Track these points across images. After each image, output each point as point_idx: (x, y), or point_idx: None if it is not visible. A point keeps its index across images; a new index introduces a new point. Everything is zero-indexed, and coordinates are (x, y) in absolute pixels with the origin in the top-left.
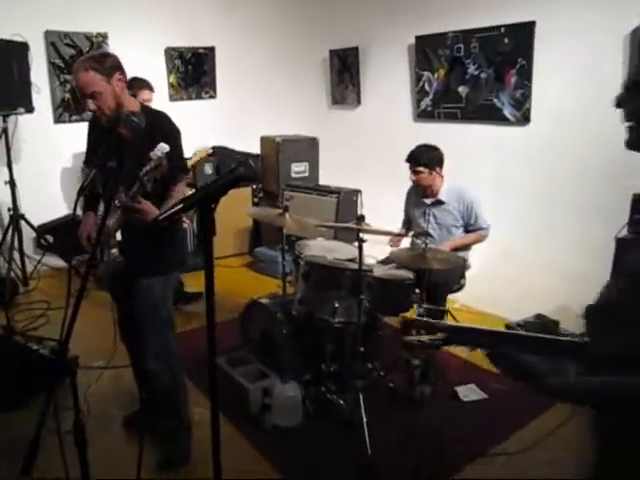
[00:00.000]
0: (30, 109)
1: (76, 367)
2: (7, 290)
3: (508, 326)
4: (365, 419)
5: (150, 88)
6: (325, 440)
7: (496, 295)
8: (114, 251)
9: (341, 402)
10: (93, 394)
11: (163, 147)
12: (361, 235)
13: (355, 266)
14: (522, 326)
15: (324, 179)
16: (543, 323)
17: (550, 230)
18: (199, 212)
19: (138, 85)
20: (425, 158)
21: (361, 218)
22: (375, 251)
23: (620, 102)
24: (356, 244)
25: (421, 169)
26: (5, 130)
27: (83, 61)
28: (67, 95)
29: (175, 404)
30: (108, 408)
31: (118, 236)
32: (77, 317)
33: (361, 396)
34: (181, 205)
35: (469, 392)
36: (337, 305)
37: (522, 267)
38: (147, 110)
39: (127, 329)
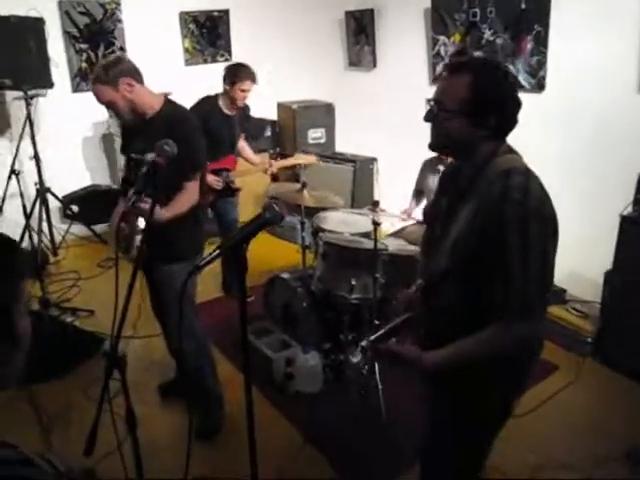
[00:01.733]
0: (50, 85)
1: (125, 365)
2: (40, 261)
3: None
4: (380, 385)
5: (253, 79)
6: (344, 404)
7: None
8: (139, 238)
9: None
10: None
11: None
12: (375, 218)
13: (371, 245)
14: None
15: (341, 144)
16: (552, 291)
17: (559, 198)
18: (233, 254)
19: (241, 74)
20: None
21: (376, 204)
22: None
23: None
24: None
25: None
26: (29, 111)
27: (94, 75)
28: (84, 64)
29: (204, 380)
30: (142, 376)
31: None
32: (126, 312)
33: (377, 364)
34: (217, 252)
35: None
36: (354, 283)
37: None
38: (170, 106)
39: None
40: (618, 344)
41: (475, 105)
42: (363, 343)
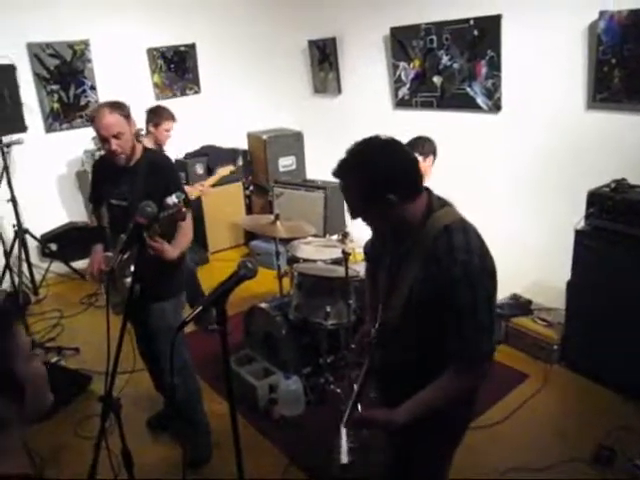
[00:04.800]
0: (24, 129)
1: (119, 408)
2: (22, 302)
3: None
4: (360, 406)
5: (174, 118)
6: (326, 425)
7: None
8: (128, 280)
9: (338, 390)
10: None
11: (178, 195)
12: (345, 249)
13: (342, 272)
14: (499, 307)
15: (311, 169)
16: (518, 303)
17: (519, 213)
18: (215, 309)
19: (163, 115)
20: (419, 147)
21: (345, 235)
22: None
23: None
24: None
25: (416, 155)
26: (4, 157)
27: (105, 106)
28: (56, 105)
29: (193, 412)
30: (130, 411)
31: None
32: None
33: (355, 385)
34: (201, 307)
35: None
36: (329, 310)
37: (496, 246)
38: (150, 154)
39: (145, 349)
40: (582, 349)
41: (373, 195)
42: (344, 441)
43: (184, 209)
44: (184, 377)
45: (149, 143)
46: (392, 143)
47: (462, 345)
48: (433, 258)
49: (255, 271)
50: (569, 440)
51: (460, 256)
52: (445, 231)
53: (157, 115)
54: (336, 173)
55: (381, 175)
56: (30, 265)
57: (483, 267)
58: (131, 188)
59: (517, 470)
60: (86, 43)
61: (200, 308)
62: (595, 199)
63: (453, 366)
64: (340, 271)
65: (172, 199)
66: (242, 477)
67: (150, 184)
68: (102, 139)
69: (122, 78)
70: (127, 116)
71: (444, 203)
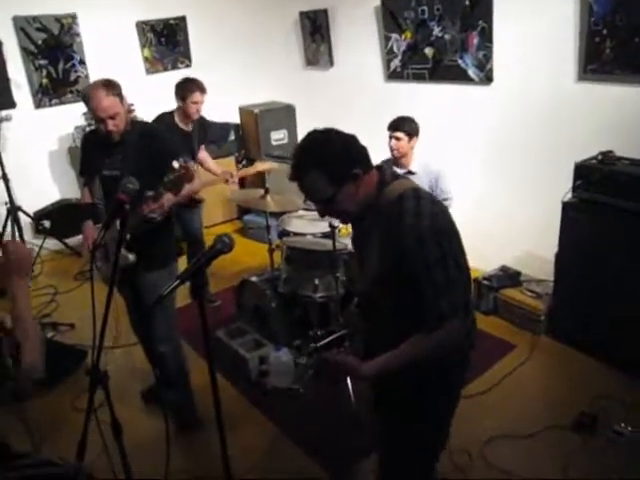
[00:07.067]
0: (12, 105)
1: (107, 380)
2: None
3: (477, 279)
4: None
5: (202, 89)
6: (316, 396)
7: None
8: (123, 251)
9: None
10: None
11: (185, 159)
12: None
13: (331, 245)
14: (488, 279)
15: None
16: (508, 275)
17: (508, 185)
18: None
19: (189, 87)
20: (406, 126)
21: None
22: None
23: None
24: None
25: (401, 135)
26: None
27: (100, 88)
28: (45, 80)
29: (183, 379)
30: (124, 383)
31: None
32: (105, 327)
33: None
34: (178, 281)
35: None
36: (317, 282)
37: (486, 218)
38: (137, 124)
39: (137, 319)
40: (568, 320)
41: (340, 174)
42: (311, 346)
43: (192, 170)
44: (174, 345)
45: (178, 117)
46: (330, 129)
47: (424, 305)
48: (388, 227)
49: (231, 246)
50: (553, 408)
51: (409, 220)
52: (398, 199)
53: (182, 89)
54: (294, 175)
55: (339, 153)
56: (24, 242)
57: (434, 227)
58: (124, 158)
59: (501, 438)
60: (73, 16)
61: (177, 282)
62: (582, 171)
63: (423, 327)
64: (329, 244)
65: (176, 163)
66: (224, 440)
67: (144, 154)
68: (98, 120)
69: (112, 52)
70: (120, 95)
71: (397, 176)
